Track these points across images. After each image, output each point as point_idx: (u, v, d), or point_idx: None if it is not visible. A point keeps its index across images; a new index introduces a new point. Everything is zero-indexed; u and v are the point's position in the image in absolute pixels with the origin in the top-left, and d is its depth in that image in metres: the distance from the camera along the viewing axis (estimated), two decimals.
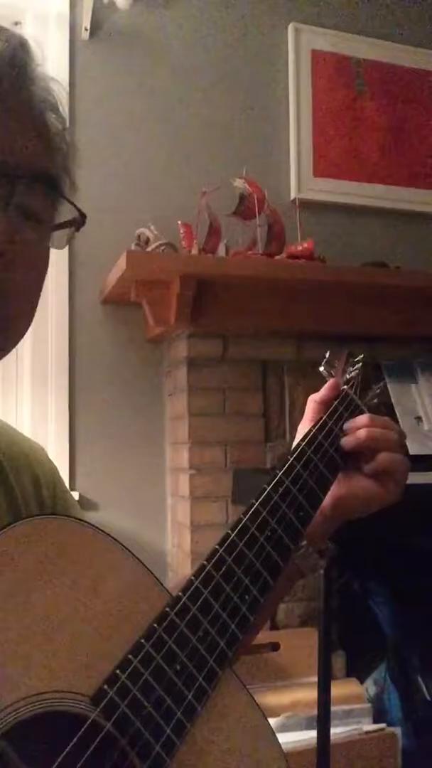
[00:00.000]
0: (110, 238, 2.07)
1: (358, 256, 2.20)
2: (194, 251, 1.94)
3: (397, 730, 1.79)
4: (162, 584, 0.57)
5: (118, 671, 0.51)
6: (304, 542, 0.73)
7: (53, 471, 0.75)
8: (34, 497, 0.69)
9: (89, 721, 0.48)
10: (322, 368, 0.86)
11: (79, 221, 0.62)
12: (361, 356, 0.90)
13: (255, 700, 0.58)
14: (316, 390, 0.83)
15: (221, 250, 1.97)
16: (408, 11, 2.53)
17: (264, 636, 1.89)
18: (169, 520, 2.14)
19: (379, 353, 2.05)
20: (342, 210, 2.38)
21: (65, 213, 0.61)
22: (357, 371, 0.87)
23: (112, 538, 0.55)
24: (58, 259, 2.08)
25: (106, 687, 0.50)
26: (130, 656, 0.52)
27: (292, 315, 1.98)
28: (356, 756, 1.70)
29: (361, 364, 0.88)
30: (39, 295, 0.61)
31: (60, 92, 0.61)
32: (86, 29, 2.14)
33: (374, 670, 2.02)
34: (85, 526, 0.55)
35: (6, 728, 0.45)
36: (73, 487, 2.05)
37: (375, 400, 0.87)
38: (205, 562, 0.60)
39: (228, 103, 2.30)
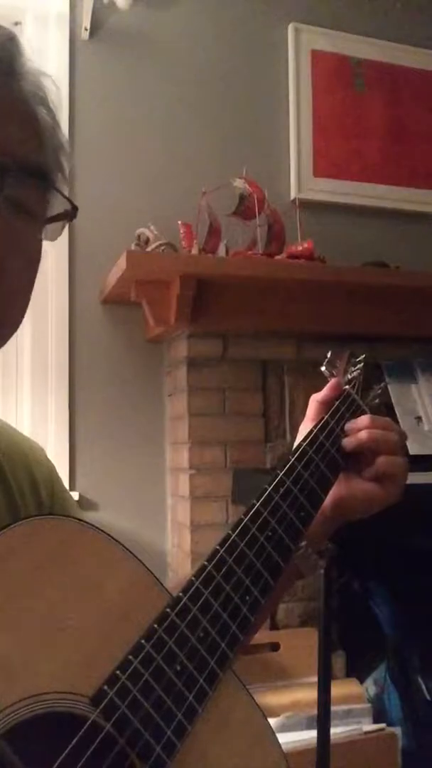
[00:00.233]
0: (110, 238, 2.07)
1: (358, 256, 2.20)
2: (194, 251, 1.94)
3: (397, 730, 1.79)
4: (162, 584, 0.57)
5: (118, 672, 0.51)
6: (304, 542, 0.73)
7: (51, 470, 0.75)
8: (31, 496, 0.69)
9: (89, 721, 0.48)
10: (323, 368, 0.86)
11: (71, 213, 0.62)
12: (363, 356, 0.90)
13: (255, 701, 0.58)
14: (317, 390, 0.83)
15: (221, 250, 1.97)
16: (408, 11, 2.53)
17: (264, 636, 1.89)
18: (169, 520, 2.14)
19: (379, 353, 2.05)
20: (342, 210, 2.38)
21: (57, 205, 0.61)
22: (359, 371, 0.87)
23: (112, 538, 0.55)
24: (58, 259, 2.08)
25: (106, 687, 0.50)
26: (130, 657, 0.52)
27: (292, 315, 1.98)
28: (356, 756, 1.70)
29: (362, 364, 0.88)
30: (32, 288, 0.61)
31: (51, 87, 0.61)
32: (86, 29, 2.14)
33: (374, 670, 2.02)
34: (84, 526, 0.55)
35: (6, 729, 0.45)
36: (73, 487, 2.05)
37: (376, 401, 0.87)
38: (205, 563, 0.60)
39: (228, 103, 2.30)
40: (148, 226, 2.01)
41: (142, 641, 0.53)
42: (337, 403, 0.80)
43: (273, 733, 0.58)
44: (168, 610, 0.55)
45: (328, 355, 0.87)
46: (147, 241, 1.99)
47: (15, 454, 0.71)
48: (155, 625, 0.54)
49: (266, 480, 0.69)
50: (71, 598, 0.51)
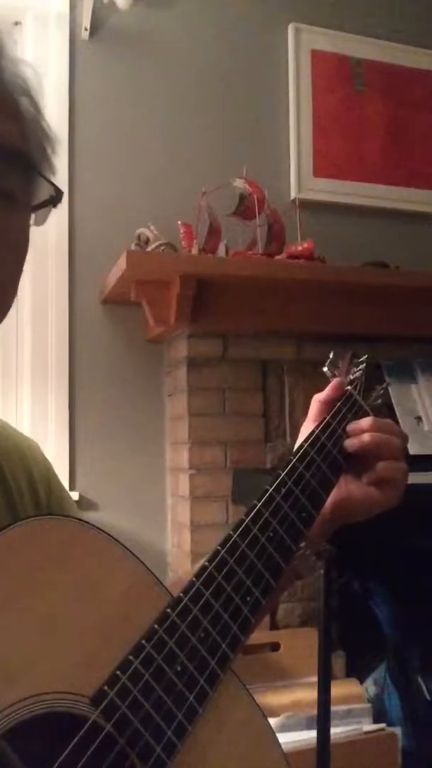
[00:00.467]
0: (110, 238, 2.07)
1: (358, 256, 2.20)
2: (194, 251, 1.94)
3: (397, 730, 1.79)
4: (163, 584, 0.57)
5: (118, 672, 0.51)
6: (303, 543, 0.73)
7: (48, 468, 0.75)
8: (29, 494, 0.69)
9: (89, 722, 0.48)
10: (325, 369, 0.86)
11: (56, 199, 0.61)
12: (365, 357, 0.89)
13: (256, 702, 0.58)
14: (317, 390, 0.83)
15: (221, 250, 1.97)
16: (408, 11, 2.53)
17: (264, 636, 1.89)
18: (169, 520, 2.14)
19: (379, 353, 2.05)
20: (342, 210, 2.37)
21: (43, 192, 0.61)
22: (360, 372, 0.87)
23: (112, 538, 0.55)
24: (58, 259, 2.08)
25: (106, 688, 0.50)
26: (130, 657, 0.52)
27: (292, 315, 1.98)
28: (356, 756, 1.70)
29: (364, 365, 0.88)
30: (19, 276, 0.61)
31: (33, 76, 0.61)
32: (86, 29, 2.14)
33: (374, 670, 2.02)
34: (84, 526, 0.55)
35: (6, 729, 0.45)
36: (73, 487, 2.05)
37: (378, 401, 0.87)
38: (206, 563, 0.60)
39: (228, 103, 2.29)
40: (148, 226, 2.01)
41: (143, 641, 0.53)
42: (339, 404, 0.80)
43: (273, 734, 0.58)
44: (169, 610, 0.55)
45: (330, 355, 0.87)
46: (147, 241, 1.99)
47: (13, 452, 0.70)
48: (156, 626, 0.54)
49: (266, 480, 0.69)
50: (71, 598, 0.51)
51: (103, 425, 2.10)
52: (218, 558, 0.60)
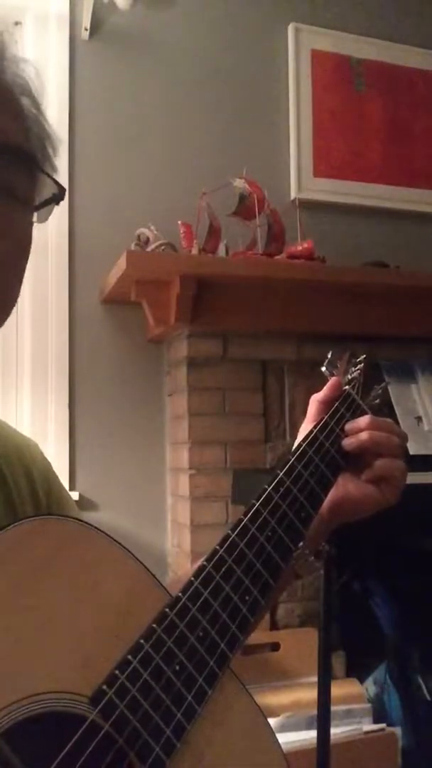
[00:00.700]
0: (110, 238, 2.07)
1: (358, 256, 2.20)
2: (194, 251, 1.94)
3: (397, 730, 1.79)
4: (162, 584, 0.57)
5: (117, 672, 0.51)
6: (301, 544, 0.73)
7: (47, 467, 0.75)
8: (28, 493, 0.69)
9: (88, 721, 0.48)
10: (324, 368, 0.86)
11: (59, 196, 0.62)
12: (363, 357, 0.89)
13: (255, 701, 0.58)
14: (317, 390, 0.83)
15: (221, 250, 1.97)
16: (408, 11, 2.53)
17: (264, 636, 1.89)
18: (169, 520, 2.14)
19: (379, 353, 2.05)
20: (342, 210, 2.38)
21: (46, 190, 0.61)
22: (359, 371, 0.87)
23: (112, 538, 0.55)
24: (58, 259, 2.08)
25: (105, 687, 0.50)
26: (129, 657, 0.52)
27: (292, 315, 1.98)
28: (356, 756, 1.70)
29: (363, 364, 0.88)
30: (23, 273, 0.61)
31: (32, 74, 0.61)
32: (86, 29, 2.14)
33: (374, 670, 2.02)
34: (84, 526, 0.55)
35: (5, 728, 0.45)
36: (73, 487, 2.05)
37: (377, 401, 0.86)
38: (205, 563, 0.60)
39: (228, 103, 2.29)
40: (148, 226, 2.01)
41: (141, 641, 0.53)
42: (337, 403, 0.80)
43: (273, 733, 0.58)
44: (167, 610, 0.55)
45: (329, 355, 0.87)
46: (147, 241, 1.99)
47: (12, 452, 0.70)
48: (154, 625, 0.54)
49: (266, 480, 0.69)
50: (70, 598, 0.51)
51: (103, 425, 2.10)
52: (216, 557, 0.60)
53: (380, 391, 0.87)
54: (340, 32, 2.41)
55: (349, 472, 0.77)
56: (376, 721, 1.81)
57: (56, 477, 0.76)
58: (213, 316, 1.91)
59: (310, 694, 1.61)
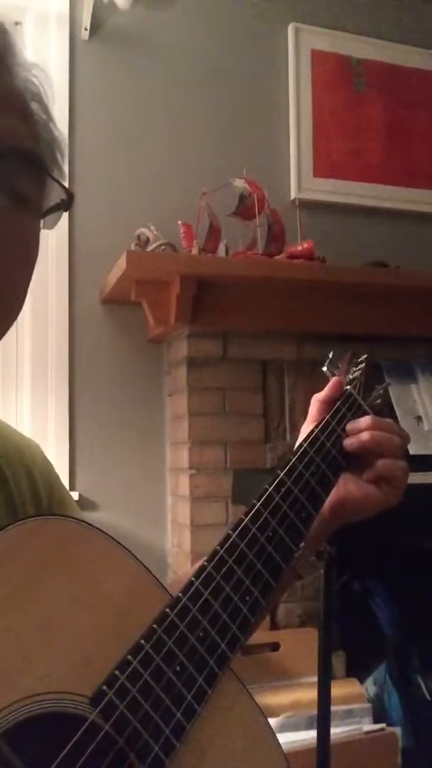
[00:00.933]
0: (110, 238, 2.07)
1: (358, 256, 2.20)
2: (194, 251, 1.94)
3: (397, 730, 1.79)
4: (162, 585, 0.57)
5: (117, 672, 0.51)
6: (302, 544, 0.72)
7: (49, 468, 0.75)
8: (30, 494, 0.69)
9: (88, 722, 0.48)
10: (325, 368, 0.86)
11: (67, 202, 0.61)
12: (364, 356, 0.89)
13: (255, 701, 0.58)
14: (317, 390, 0.83)
15: (221, 250, 1.97)
16: (408, 11, 2.53)
17: (264, 636, 1.89)
18: (169, 520, 2.14)
19: (379, 353, 2.05)
20: (342, 210, 2.38)
21: (54, 196, 0.61)
22: (360, 372, 0.87)
23: (112, 538, 0.55)
24: (58, 259, 2.08)
25: (105, 688, 0.50)
26: (129, 657, 0.52)
27: (292, 315, 1.98)
28: (356, 756, 1.70)
29: (364, 364, 0.88)
30: (30, 278, 0.61)
31: (44, 80, 0.61)
32: (86, 29, 2.14)
33: (374, 670, 2.02)
34: (84, 526, 0.55)
35: (5, 728, 0.45)
36: (73, 487, 2.05)
37: (378, 401, 0.86)
38: (205, 563, 0.60)
39: (228, 103, 2.29)
40: (148, 226, 2.01)
41: (142, 641, 0.53)
42: (338, 403, 0.80)
43: (273, 733, 0.58)
44: (167, 610, 0.55)
45: (330, 355, 0.86)
46: (147, 241, 1.99)
47: (13, 452, 0.70)
48: (154, 626, 0.54)
49: (266, 480, 0.69)
50: (70, 598, 0.51)
51: (103, 425, 2.10)
52: (217, 557, 0.60)
53: (381, 391, 0.87)
54: (340, 32, 2.41)
55: (351, 473, 0.76)
56: (376, 721, 1.81)
57: (58, 477, 0.76)
58: (213, 316, 1.91)
59: (310, 694, 1.61)
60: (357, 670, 1.97)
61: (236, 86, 2.31)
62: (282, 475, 0.69)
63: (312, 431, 0.75)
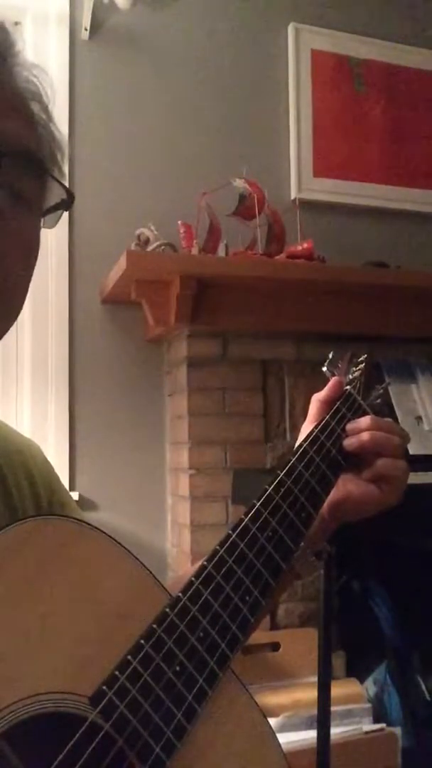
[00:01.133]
0: (110, 238, 2.07)
1: (358, 256, 2.20)
2: (194, 251, 1.94)
3: (397, 730, 1.79)
4: (162, 585, 0.57)
5: (117, 672, 0.51)
6: (302, 544, 0.72)
7: (49, 468, 0.75)
8: (29, 495, 0.69)
9: (88, 722, 0.48)
10: (325, 368, 0.86)
11: (68, 202, 0.62)
12: (364, 356, 0.89)
13: (255, 701, 0.58)
14: (317, 390, 0.83)
15: (221, 250, 1.97)
16: (408, 11, 2.53)
17: (264, 636, 1.89)
18: (169, 520, 2.14)
19: (379, 353, 2.05)
20: (342, 210, 2.38)
21: (54, 195, 0.61)
22: (360, 371, 0.87)
23: (112, 538, 0.55)
24: (58, 259, 2.08)
25: (105, 688, 0.50)
26: (129, 657, 0.52)
27: (292, 315, 1.98)
28: (356, 756, 1.70)
29: (364, 364, 0.88)
30: (30, 278, 0.61)
31: (45, 80, 0.61)
32: (86, 29, 2.14)
33: (374, 670, 2.02)
34: (84, 526, 0.55)
35: (5, 729, 0.45)
36: (73, 487, 2.05)
37: (378, 401, 0.86)
38: (205, 563, 0.60)
39: (228, 102, 2.29)
40: (148, 226, 2.01)
41: (141, 641, 0.53)
42: (338, 403, 0.80)
43: (273, 733, 0.58)
44: (167, 610, 0.55)
45: (330, 355, 0.86)
46: (147, 241, 1.99)
47: (13, 453, 0.70)
48: (154, 625, 0.54)
49: (266, 480, 0.69)
50: (70, 598, 0.51)
51: (103, 425, 2.10)
52: (217, 557, 0.60)
53: (381, 391, 0.87)
54: (340, 32, 2.41)
55: (351, 473, 0.76)
56: (376, 721, 1.81)
57: (58, 479, 0.76)
58: (213, 316, 1.91)
59: (310, 694, 1.61)
60: (357, 670, 1.97)
61: (236, 86, 2.31)
62: (282, 475, 0.69)
63: (312, 431, 0.75)
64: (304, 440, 0.74)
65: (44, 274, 2.05)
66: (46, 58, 2.09)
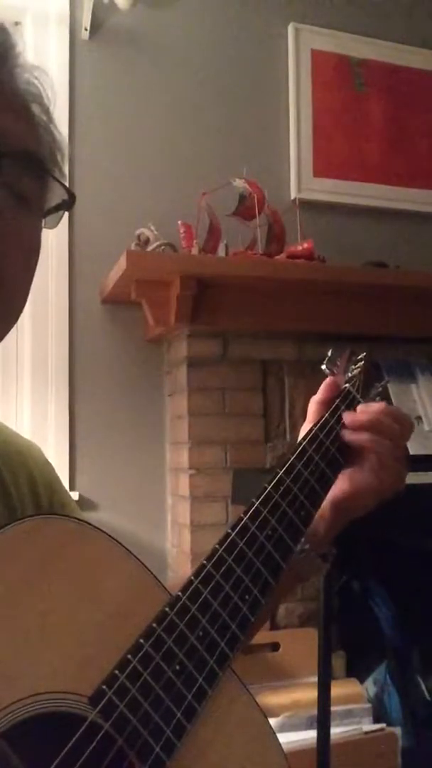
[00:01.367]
0: (110, 238, 2.07)
1: (358, 256, 2.20)
2: (194, 251, 1.94)
3: (397, 730, 1.79)
4: (162, 584, 0.57)
5: (116, 671, 0.51)
6: (307, 545, 0.72)
7: (49, 470, 0.75)
8: (29, 496, 0.69)
9: (88, 721, 0.48)
10: (324, 366, 0.86)
11: (68, 202, 0.62)
12: (363, 354, 0.89)
13: (255, 700, 0.58)
14: (317, 390, 0.83)
15: (221, 250, 1.97)
16: (408, 11, 2.53)
17: (264, 636, 1.89)
18: (169, 520, 2.14)
19: (379, 353, 2.05)
20: (342, 210, 2.38)
21: (55, 196, 0.61)
22: (359, 369, 0.87)
23: (112, 538, 0.55)
24: (58, 259, 2.08)
25: (104, 687, 0.50)
26: (129, 656, 0.52)
27: (292, 315, 1.98)
28: (356, 756, 1.70)
29: (363, 362, 0.88)
30: (32, 278, 0.61)
31: (45, 82, 0.61)
32: (86, 29, 2.14)
33: (374, 670, 2.02)
34: (84, 525, 0.55)
35: (5, 728, 0.45)
36: (73, 487, 2.05)
37: (377, 398, 0.86)
38: (204, 562, 0.60)
39: (228, 102, 2.29)
40: (148, 226, 2.01)
41: (141, 641, 0.53)
42: (337, 401, 0.80)
43: (273, 733, 0.58)
44: (167, 609, 0.55)
45: (329, 353, 0.87)
46: (147, 241, 1.99)
47: (13, 453, 0.70)
48: (154, 625, 0.54)
49: (266, 479, 0.69)
50: (70, 597, 0.51)
51: (103, 425, 2.10)
52: (216, 556, 0.60)
53: (380, 388, 0.87)
54: (340, 32, 2.41)
55: (350, 467, 0.76)
56: (376, 721, 1.81)
57: (59, 480, 0.76)
58: (213, 316, 1.91)
59: (310, 694, 1.61)
60: (357, 670, 1.97)
61: (236, 86, 2.31)
62: (281, 473, 0.69)
63: (311, 429, 0.75)
64: (303, 438, 0.74)
65: (44, 274, 2.05)
66: (46, 58, 2.09)
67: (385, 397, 0.87)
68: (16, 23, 2.13)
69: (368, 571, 2.13)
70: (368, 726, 1.76)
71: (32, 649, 0.48)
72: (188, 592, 0.57)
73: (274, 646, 1.90)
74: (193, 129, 2.25)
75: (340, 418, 0.78)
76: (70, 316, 2.09)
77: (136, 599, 0.54)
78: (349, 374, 0.86)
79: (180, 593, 0.56)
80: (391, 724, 1.84)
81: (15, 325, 0.62)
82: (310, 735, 1.58)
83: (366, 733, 1.74)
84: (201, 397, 1.96)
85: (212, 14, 2.31)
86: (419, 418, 1.99)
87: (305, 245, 1.99)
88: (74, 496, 2.01)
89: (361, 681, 1.94)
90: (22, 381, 2.07)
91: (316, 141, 2.35)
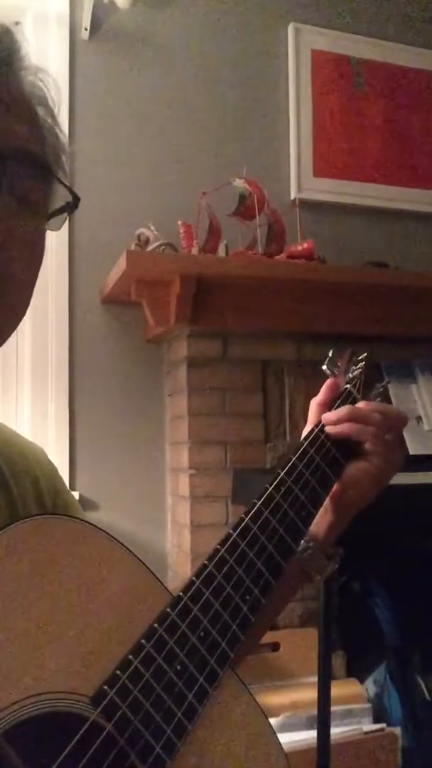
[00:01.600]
0: (110, 238, 2.07)
1: (358, 256, 2.20)
2: (194, 251, 1.94)
3: (397, 730, 1.79)
4: (163, 584, 0.57)
5: (118, 672, 0.51)
6: (312, 544, 0.73)
7: (53, 471, 0.75)
8: (33, 497, 0.69)
9: (89, 721, 0.48)
10: (324, 367, 0.86)
11: (72, 205, 0.62)
12: (364, 355, 0.90)
13: (256, 701, 0.58)
14: (317, 390, 0.84)
15: (221, 250, 1.97)
16: (408, 11, 2.53)
17: (264, 636, 1.88)
18: (169, 520, 2.14)
19: (379, 353, 2.05)
20: (342, 210, 2.37)
21: (59, 198, 0.61)
22: (360, 370, 0.87)
23: (113, 538, 0.55)
24: (58, 259, 2.08)
25: (106, 687, 0.50)
26: (130, 657, 0.52)
27: (292, 315, 1.98)
28: (356, 756, 1.70)
29: (363, 363, 0.88)
30: (35, 280, 0.61)
31: (50, 84, 0.61)
32: (86, 29, 2.14)
33: (374, 670, 2.02)
34: (85, 525, 0.55)
35: (6, 728, 0.45)
36: (73, 487, 2.05)
37: (378, 399, 0.87)
38: (206, 562, 0.60)
39: (228, 102, 2.29)
40: (148, 226, 2.01)
41: (143, 641, 0.53)
42: (338, 401, 0.80)
43: (273, 733, 0.58)
44: (168, 609, 0.55)
45: (330, 353, 0.87)
46: (147, 241, 1.99)
47: (16, 455, 0.70)
48: (155, 625, 0.54)
49: (266, 480, 0.69)
50: (72, 597, 0.51)
51: (103, 425, 2.10)
52: (217, 557, 0.60)
53: (381, 389, 0.88)
54: (340, 32, 2.41)
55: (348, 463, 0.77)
56: (376, 721, 1.81)
57: (62, 481, 0.76)
58: (213, 316, 1.91)
59: (310, 694, 1.61)
60: (357, 670, 1.97)
61: (236, 86, 2.31)
62: (282, 474, 0.70)
63: (312, 430, 0.76)
64: (304, 439, 0.75)
65: (44, 274, 2.01)
66: (46, 58, 2.09)
67: (385, 397, 0.88)
68: (16, 23, 2.13)
69: (368, 571, 2.13)
70: (368, 726, 1.76)
71: (33, 648, 0.48)
72: (190, 592, 0.57)
73: (274, 646, 1.90)
74: (193, 129, 2.25)
75: None
76: (70, 316, 2.09)
77: (137, 599, 0.55)
78: (350, 375, 0.87)
79: (181, 594, 0.56)
80: (391, 724, 1.84)
81: None
82: (310, 735, 1.58)
83: (366, 733, 1.74)
84: (201, 397, 1.96)
85: (212, 14, 2.31)
86: (419, 418, 1.99)
87: (305, 245, 1.99)
88: (74, 495, 2.01)
89: (361, 681, 1.94)
90: (22, 381, 2.07)
91: (316, 141, 2.35)
